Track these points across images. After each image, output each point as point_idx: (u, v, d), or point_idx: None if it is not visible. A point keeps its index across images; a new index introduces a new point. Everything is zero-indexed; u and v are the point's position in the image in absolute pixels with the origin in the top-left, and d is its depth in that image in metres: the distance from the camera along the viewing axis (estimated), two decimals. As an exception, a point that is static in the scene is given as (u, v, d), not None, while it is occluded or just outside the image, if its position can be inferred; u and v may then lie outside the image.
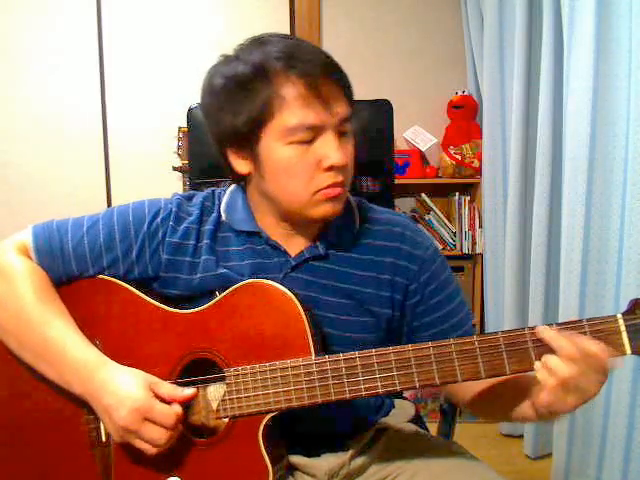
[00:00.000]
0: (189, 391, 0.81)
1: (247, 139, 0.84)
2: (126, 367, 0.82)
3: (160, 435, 0.77)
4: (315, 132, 0.81)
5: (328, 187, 0.84)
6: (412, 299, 0.92)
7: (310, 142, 0.82)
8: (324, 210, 0.86)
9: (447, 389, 0.94)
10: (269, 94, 0.80)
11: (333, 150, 0.82)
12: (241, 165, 0.88)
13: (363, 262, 0.92)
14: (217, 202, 0.95)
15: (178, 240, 0.90)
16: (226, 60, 0.86)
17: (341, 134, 0.84)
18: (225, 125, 0.84)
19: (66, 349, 0.82)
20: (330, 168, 0.83)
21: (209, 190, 0.98)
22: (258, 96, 0.80)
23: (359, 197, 0.99)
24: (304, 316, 0.81)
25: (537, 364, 0.73)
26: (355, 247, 0.93)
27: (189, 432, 0.83)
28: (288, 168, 0.83)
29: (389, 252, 0.92)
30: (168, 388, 0.80)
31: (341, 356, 0.79)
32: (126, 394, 0.78)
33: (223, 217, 0.93)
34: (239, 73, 0.82)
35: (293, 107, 0.79)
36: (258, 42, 0.84)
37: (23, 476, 0.87)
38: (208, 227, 0.92)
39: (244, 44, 0.86)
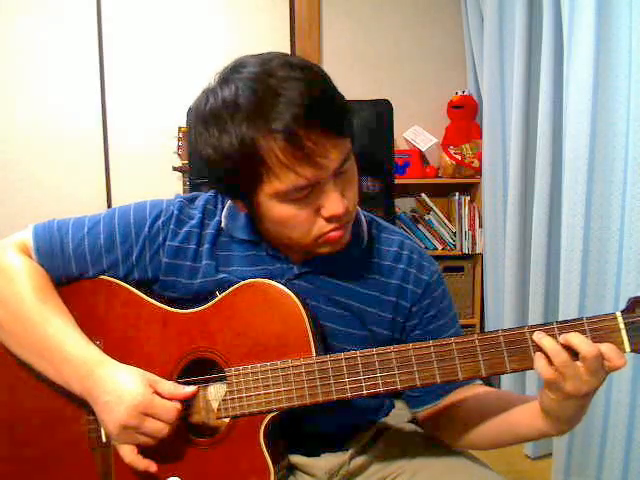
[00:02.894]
0: (190, 389, 0.81)
1: (241, 194, 0.81)
2: (125, 365, 0.81)
3: (161, 427, 0.77)
4: (310, 187, 0.77)
5: (330, 231, 0.81)
6: (411, 321, 0.92)
7: (307, 195, 0.78)
8: (328, 250, 0.85)
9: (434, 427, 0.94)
10: (255, 164, 0.75)
11: (331, 201, 0.78)
12: (237, 204, 0.86)
13: (368, 280, 0.91)
14: (220, 205, 0.93)
15: (179, 244, 0.89)
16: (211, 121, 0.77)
17: (340, 173, 0.79)
18: (218, 178, 0.82)
19: (65, 347, 0.81)
20: (330, 217, 0.80)
21: (212, 192, 0.95)
22: (246, 169, 0.76)
23: (371, 214, 0.97)
24: (305, 315, 0.81)
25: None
26: (361, 264, 0.91)
27: (190, 432, 0.83)
28: (287, 222, 0.81)
29: (396, 274, 0.91)
30: (168, 386, 0.80)
31: (342, 355, 0.78)
32: (125, 391, 0.77)
33: (223, 224, 0.91)
34: (226, 149, 0.75)
35: (280, 173, 0.74)
36: (232, 100, 0.74)
37: (23, 476, 0.87)
38: (209, 231, 0.90)
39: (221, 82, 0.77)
